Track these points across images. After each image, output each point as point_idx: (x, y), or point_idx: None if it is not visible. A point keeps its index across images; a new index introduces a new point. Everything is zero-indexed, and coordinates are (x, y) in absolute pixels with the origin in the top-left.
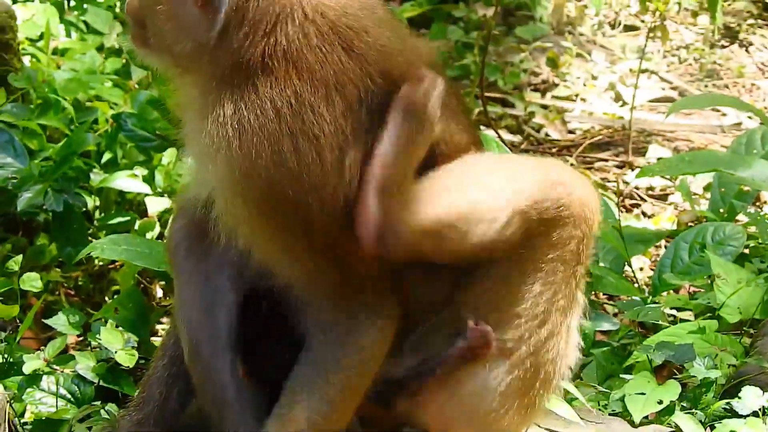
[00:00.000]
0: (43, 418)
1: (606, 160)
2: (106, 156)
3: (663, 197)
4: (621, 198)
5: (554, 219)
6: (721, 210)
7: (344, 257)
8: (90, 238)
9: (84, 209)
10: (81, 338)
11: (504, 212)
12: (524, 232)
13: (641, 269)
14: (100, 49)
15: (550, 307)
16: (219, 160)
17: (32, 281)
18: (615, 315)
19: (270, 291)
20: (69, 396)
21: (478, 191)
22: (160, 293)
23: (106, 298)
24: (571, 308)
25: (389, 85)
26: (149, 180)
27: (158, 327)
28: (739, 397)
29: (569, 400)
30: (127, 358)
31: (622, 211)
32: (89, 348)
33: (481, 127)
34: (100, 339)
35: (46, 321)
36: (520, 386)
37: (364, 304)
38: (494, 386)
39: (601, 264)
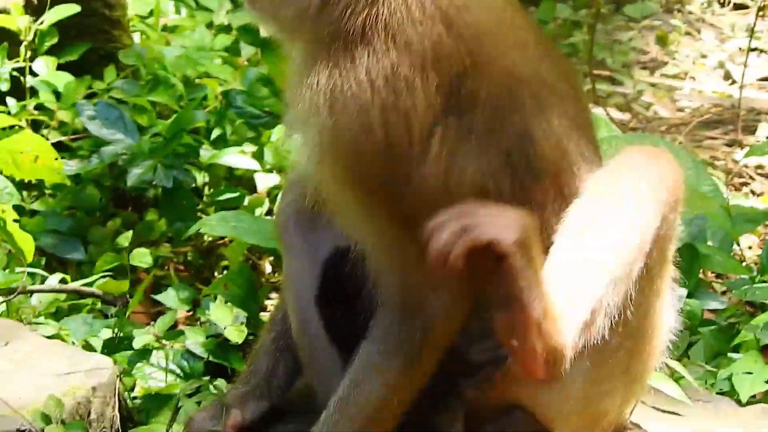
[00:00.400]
0: (153, 392)
1: (715, 139)
2: (216, 132)
3: None
4: (730, 176)
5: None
6: None
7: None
8: (199, 214)
9: (193, 185)
10: (190, 313)
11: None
12: None
13: (750, 248)
14: (209, 26)
15: (643, 284)
16: (311, 127)
17: (142, 257)
18: (723, 293)
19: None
20: (178, 371)
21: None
22: (269, 269)
23: (216, 274)
24: (664, 282)
25: (482, 67)
26: (258, 156)
27: (267, 303)
28: None
29: (676, 378)
30: (236, 334)
31: (731, 190)
32: (198, 323)
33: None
34: (209, 315)
35: (155, 297)
36: (621, 367)
37: (435, 284)
38: (594, 370)
39: (709, 243)
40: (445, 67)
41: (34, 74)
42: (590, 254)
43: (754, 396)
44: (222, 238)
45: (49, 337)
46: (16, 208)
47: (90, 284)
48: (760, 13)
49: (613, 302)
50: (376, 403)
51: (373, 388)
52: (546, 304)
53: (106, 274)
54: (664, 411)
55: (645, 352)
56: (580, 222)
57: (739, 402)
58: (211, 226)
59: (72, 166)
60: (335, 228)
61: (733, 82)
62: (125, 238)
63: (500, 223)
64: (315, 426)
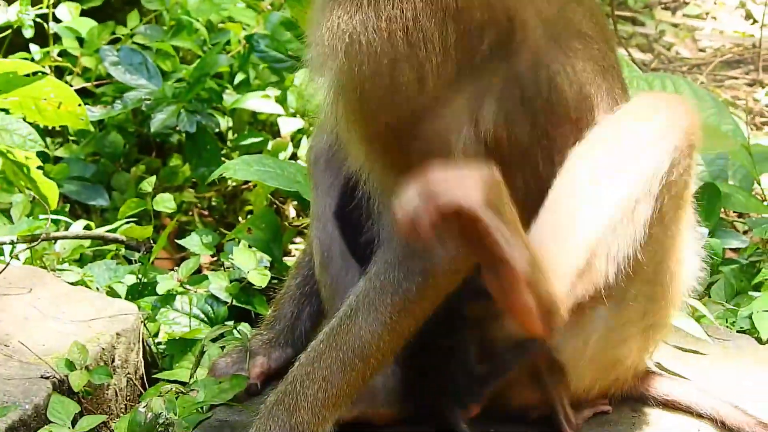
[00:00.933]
0: (177, 337)
1: (736, 78)
2: (239, 77)
3: None
4: (751, 116)
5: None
6: None
7: None
8: (223, 159)
9: (217, 130)
10: (214, 258)
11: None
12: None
13: None
14: None
15: (655, 230)
16: (328, 69)
17: (166, 202)
18: (744, 233)
19: None
20: (202, 316)
21: (608, 206)
22: (293, 213)
23: (239, 218)
24: (681, 227)
25: (505, 18)
26: (282, 101)
27: (291, 247)
28: None
29: (697, 317)
30: (259, 278)
31: (752, 129)
32: (222, 268)
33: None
34: (232, 259)
35: (179, 242)
36: (638, 313)
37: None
38: (609, 317)
39: (730, 182)
40: (467, 18)
41: (57, 20)
42: (585, 199)
43: None
44: (246, 182)
45: (72, 284)
46: (40, 155)
47: (114, 230)
48: None
49: (616, 247)
50: (367, 338)
51: (365, 324)
52: (531, 256)
53: (130, 219)
54: (684, 350)
55: (663, 298)
56: (578, 167)
57: (759, 340)
58: (234, 170)
59: (95, 112)
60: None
61: (755, 21)
62: (149, 184)
63: (464, 186)
64: (303, 353)
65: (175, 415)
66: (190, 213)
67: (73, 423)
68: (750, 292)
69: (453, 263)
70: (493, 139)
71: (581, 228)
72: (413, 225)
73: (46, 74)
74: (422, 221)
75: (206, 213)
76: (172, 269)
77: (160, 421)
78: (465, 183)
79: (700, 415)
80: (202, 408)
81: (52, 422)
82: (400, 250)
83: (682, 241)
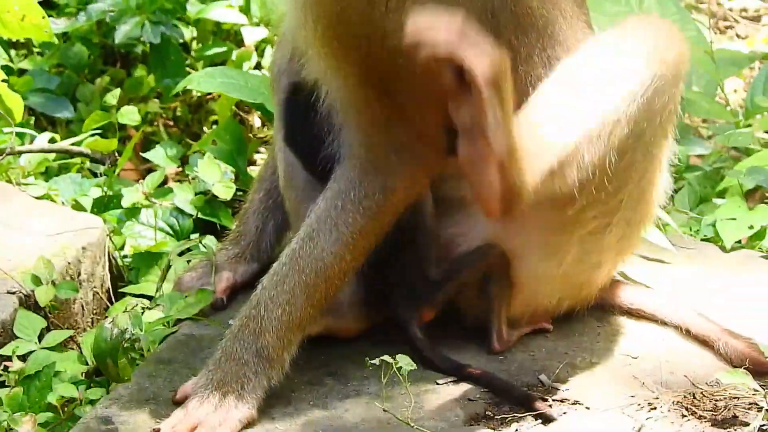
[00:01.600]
0: (142, 251)
1: None
2: None
3: (757, 18)
4: (714, 20)
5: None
6: None
7: (401, 101)
8: (187, 69)
9: (181, 40)
10: (180, 170)
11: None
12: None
13: (735, 91)
14: None
15: (633, 154)
16: None
17: (130, 114)
18: (709, 138)
19: None
20: (167, 229)
21: (589, 114)
22: (258, 123)
23: (205, 128)
24: (661, 155)
25: None
26: (245, 10)
27: (256, 157)
28: None
29: (661, 226)
30: (224, 191)
31: (715, 33)
32: (187, 180)
33: None
34: (197, 171)
35: (144, 155)
36: (618, 238)
37: (402, 146)
38: (592, 245)
39: (694, 88)
40: None
41: None
42: (567, 108)
43: (738, 242)
44: (211, 93)
45: (38, 198)
46: (4, 68)
47: (79, 143)
48: None
49: (587, 159)
50: (328, 258)
51: (326, 244)
52: (511, 143)
53: (95, 132)
54: (649, 259)
55: (640, 222)
56: (563, 79)
57: (723, 248)
58: (198, 82)
59: (59, 24)
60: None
61: None
62: (113, 96)
63: (479, 53)
64: (265, 276)
65: (141, 330)
66: (155, 123)
67: (40, 338)
68: (714, 199)
69: (412, 178)
70: None
71: (561, 133)
72: (423, 42)
73: None
74: (434, 49)
75: (171, 123)
76: (138, 181)
77: (126, 337)
78: (480, 48)
79: (664, 323)
80: (167, 323)
81: (18, 338)
82: (359, 167)
83: (661, 167)
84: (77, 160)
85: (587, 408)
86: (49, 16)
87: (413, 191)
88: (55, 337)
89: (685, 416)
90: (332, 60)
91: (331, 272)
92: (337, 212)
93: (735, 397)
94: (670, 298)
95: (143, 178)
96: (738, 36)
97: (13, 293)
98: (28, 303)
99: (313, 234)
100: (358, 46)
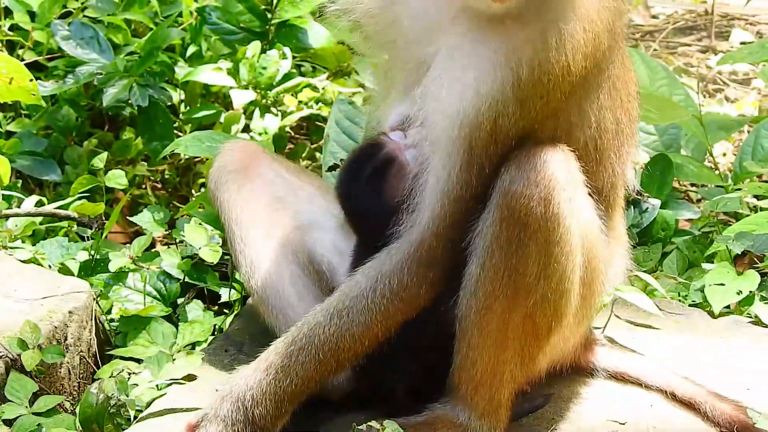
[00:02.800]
0: (130, 315)
1: (689, 45)
2: (191, 49)
3: (746, 81)
4: (703, 83)
5: None
6: None
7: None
8: (175, 132)
9: (169, 103)
10: (168, 232)
11: None
12: None
13: (724, 155)
14: None
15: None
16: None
17: (118, 178)
18: (698, 201)
19: None
20: (154, 293)
21: None
22: None
23: (192, 191)
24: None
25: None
26: (234, 73)
27: None
28: None
29: (649, 291)
30: (211, 255)
31: (704, 96)
32: (175, 244)
33: None
34: (184, 236)
35: (131, 219)
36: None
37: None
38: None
39: (683, 152)
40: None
41: None
42: None
43: (727, 307)
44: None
45: (24, 261)
46: None
47: (66, 206)
48: None
49: None
50: (348, 340)
51: (352, 325)
52: None
53: (83, 195)
54: (637, 324)
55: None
56: None
57: (711, 314)
58: (186, 146)
59: (47, 86)
60: None
61: None
62: (100, 160)
63: None
64: (279, 340)
65: (127, 395)
66: (143, 186)
67: (31, 402)
68: (703, 264)
69: (430, 281)
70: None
71: None
72: None
73: None
74: None
75: (159, 186)
76: (125, 243)
77: (112, 402)
78: None
79: (648, 387)
80: (156, 386)
81: (9, 401)
82: (412, 254)
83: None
84: (64, 223)
85: None
86: (37, 78)
87: (424, 300)
88: (47, 402)
89: None
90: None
91: (346, 354)
92: (373, 296)
93: None
94: (653, 362)
95: (130, 241)
96: (727, 99)
97: (0, 357)
98: (15, 367)
99: (343, 312)
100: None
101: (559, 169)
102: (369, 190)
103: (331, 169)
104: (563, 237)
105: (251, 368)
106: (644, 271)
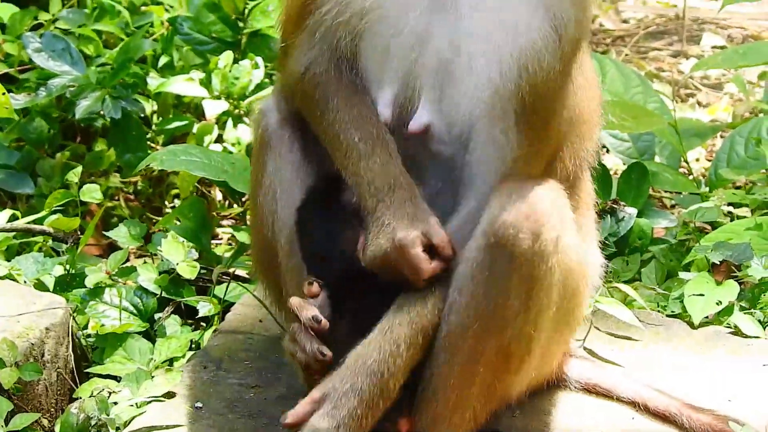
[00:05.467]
0: (107, 331)
1: (660, 50)
2: (163, 60)
3: (718, 86)
4: (676, 88)
5: None
6: None
7: None
8: (148, 143)
9: (142, 114)
10: (143, 244)
11: None
12: None
13: (697, 160)
14: None
15: None
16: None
17: (92, 192)
18: (672, 207)
19: None
20: (131, 308)
21: None
22: (219, 197)
23: (166, 203)
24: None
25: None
26: (206, 83)
27: (219, 231)
28: None
29: (628, 302)
30: (188, 270)
31: (677, 101)
32: (151, 258)
33: None
34: (161, 251)
35: (106, 233)
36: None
37: None
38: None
39: (657, 159)
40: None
41: None
42: None
43: (706, 317)
44: None
45: (0, 278)
46: None
47: (40, 220)
48: None
49: None
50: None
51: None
52: None
53: (57, 209)
54: (617, 336)
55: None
56: None
57: (691, 324)
58: (161, 160)
59: (19, 99)
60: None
61: None
62: (75, 174)
63: None
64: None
65: (107, 414)
66: (117, 199)
67: (6, 421)
68: (680, 273)
69: None
70: None
71: None
72: None
73: None
74: None
75: (132, 198)
76: (99, 255)
77: (93, 422)
78: None
79: (621, 399)
80: (135, 404)
81: None
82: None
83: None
84: (39, 238)
85: None
86: (9, 91)
87: None
88: (22, 420)
89: None
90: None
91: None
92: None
93: None
94: (626, 374)
95: (105, 253)
96: (699, 104)
97: None
98: None
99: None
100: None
101: (551, 205)
102: (329, 232)
103: None
104: (546, 274)
105: (377, 339)
106: (623, 282)
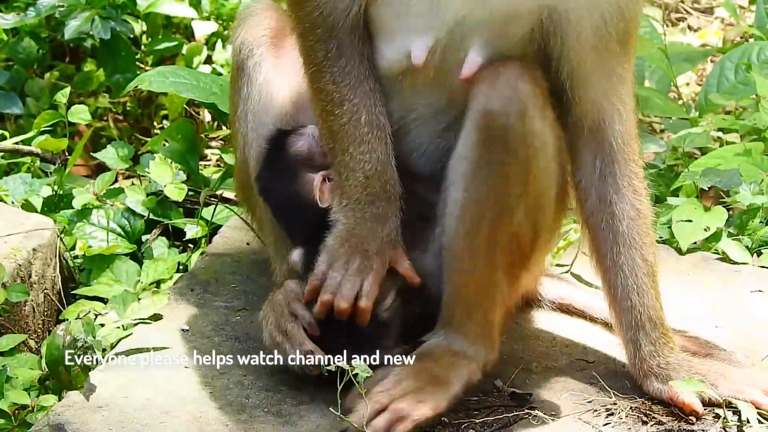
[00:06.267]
0: (95, 253)
1: None
2: None
3: (709, 10)
4: (667, 12)
5: None
6: None
7: None
8: (138, 64)
9: (131, 35)
10: (131, 167)
11: None
12: None
13: (687, 84)
14: None
15: None
16: None
17: (80, 113)
18: (661, 132)
19: None
20: (119, 230)
21: None
22: (208, 118)
23: (155, 123)
24: None
25: None
26: (196, 4)
27: (207, 152)
28: None
29: None
30: (176, 192)
31: (667, 26)
32: (137, 177)
33: None
34: (149, 172)
35: (94, 154)
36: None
37: None
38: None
39: (647, 83)
40: None
41: None
42: None
43: (694, 243)
44: None
45: None
46: None
47: (28, 141)
48: None
49: None
50: None
51: None
52: None
53: (45, 130)
54: None
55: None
56: None
57: (679, 250)
58: (149, 82)
59: (9, 19)
60: None
61: None
62: (63, 95)
63: None
64: None
65: (94, 337)
66: (105, 119)
67: None
68: (669, 199)
69: None
70: None
71: None
72: None
73: None
74: None
75: (121, 118)
76: (87, 176)
77: (79, 345)
78: None
79: (594, 320)
80: (122, 326)
81: None
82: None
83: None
84: (27, 159)
85: (544, 414)
86: None
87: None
88: (8, 341)
89: (644, 422)
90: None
91: None
92: None
93: None
94: (598, 294)
95: (92, 174)
96: (690, 28)
97: None
98: None
99: None
100: None
101: (530, 81)
102: (286, 185)
103: None
104: (541, 150)
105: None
106: None
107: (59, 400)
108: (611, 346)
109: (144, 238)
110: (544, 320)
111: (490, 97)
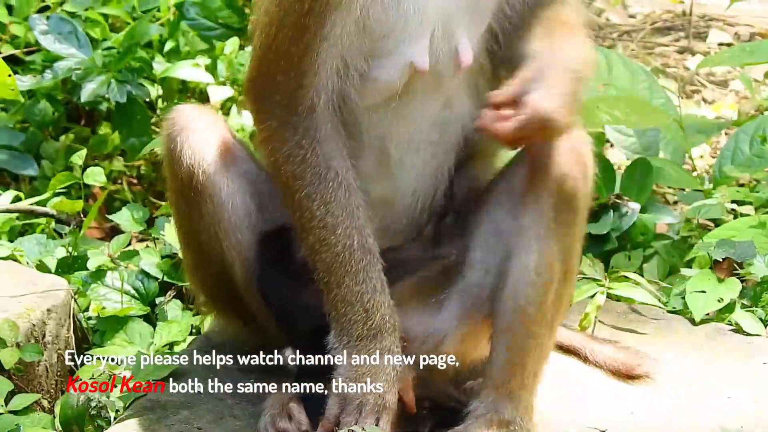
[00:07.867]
0: (109, 314)
1: (666, 45)
2: (169, 45)
3: (724, 83)
4: (681, 84)
5: None
6: None
7: None
8: (153, 128)
9: (147, 99)
10: (145, 228)
11: None
12: None
13: (701, 157)
14: None
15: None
16: None
17: (96, 176)
18: (675, 203)
19: None
20: (133, 291)
21: None
22: None
23: None
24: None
25: None
26: (212, 69)
27: None
28: None
29: (629, 300)
30: None
31: (682, 97)
32: (153, 241)
33: None
34: (164, 235)
35: (109, 216)
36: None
37: None
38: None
39: (662, 155)
40: None
41: None
42: None
43: (707, 314)
44: None
45: (2, 258)
46: None
47: (44, 202)
48: None
49: None
50: None
51: None
52: None
53: (60, 192)
54: (621, 329)
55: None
56: None
57: (692, 321)
58: None
59: (25, 81)
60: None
61: None
62: (79, 157)
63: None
64: None
65: (108, 397)
66: (120, 182)
67: (6, 401)
68: (683, 270)
69: None
70: None
71: None
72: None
73: None
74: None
75: (136, 182)
76: (101, 239)
77: (93, 404)
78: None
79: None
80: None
81: None
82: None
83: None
84: (42, 220)
85: None
86: (15, 71)
87: None
88: (22, 401)
89: None
90: None
91: None
92: None
93: None
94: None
95: (107, 236)
96: (705, 101)
97: None
98: None
99: None
100: None
101: (588, 143)
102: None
103: None
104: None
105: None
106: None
107: None
108: None
109: (158, 300)
110: None
111: (567, 163)
